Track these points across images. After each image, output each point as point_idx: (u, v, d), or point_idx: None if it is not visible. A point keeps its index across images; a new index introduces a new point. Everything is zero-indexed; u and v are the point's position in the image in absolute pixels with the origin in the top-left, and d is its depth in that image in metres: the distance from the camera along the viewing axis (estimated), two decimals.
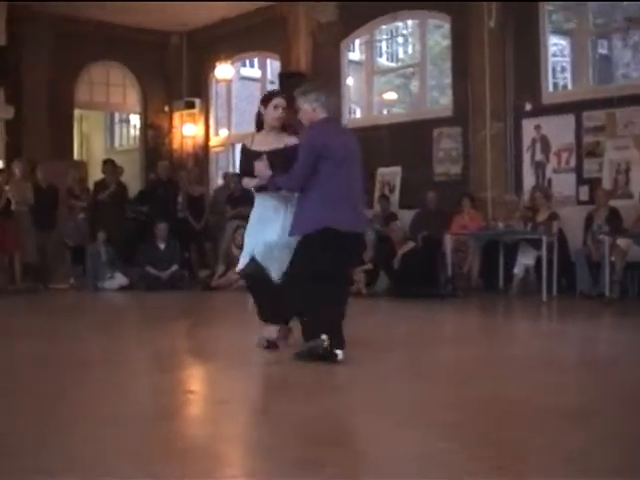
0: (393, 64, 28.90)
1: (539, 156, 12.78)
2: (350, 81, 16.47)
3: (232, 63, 17.33)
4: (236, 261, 13.07)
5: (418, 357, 6.60)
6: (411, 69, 23.21)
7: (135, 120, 20.75)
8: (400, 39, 28.95)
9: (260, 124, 6.79)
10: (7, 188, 12.83)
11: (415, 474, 3.35)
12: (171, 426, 4.22)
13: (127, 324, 9.28)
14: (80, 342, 7.61)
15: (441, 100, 18.44)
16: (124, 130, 23.02)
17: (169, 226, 13.75)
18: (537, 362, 6.37)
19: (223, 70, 16.86)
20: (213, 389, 5.53)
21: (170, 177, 15.30)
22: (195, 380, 6.01)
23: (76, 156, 18.59)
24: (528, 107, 12.91)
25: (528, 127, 12.91)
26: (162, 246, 13.60)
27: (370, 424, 4.28)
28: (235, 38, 17.12)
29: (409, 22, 19.43)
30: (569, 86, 15.71)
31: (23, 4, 15.38)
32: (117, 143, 22.94)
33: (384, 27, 16.49)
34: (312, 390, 5.23)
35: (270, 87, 17.96)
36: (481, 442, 3.85)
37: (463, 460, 3.53)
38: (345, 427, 4.32)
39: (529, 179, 12.87)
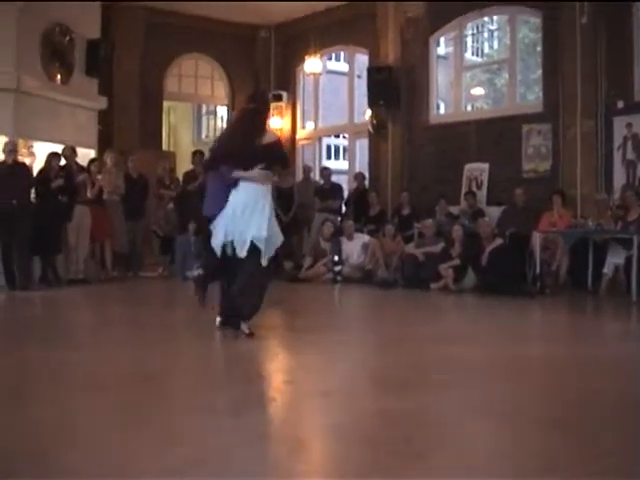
0: (479, 59, 28.76)
1: (630, 155, 12.60)
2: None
3: (320, 57, 17.39)
4: (324, 253, 13.31)
5: (511, 354, 6.60)
6: (496, 65, 23.14)
7: (222, 112, 20.99)
8: (486, 34, 28.80)
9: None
10: (99, 177, 13.03)
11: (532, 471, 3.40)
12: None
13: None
14: (179, 330, 7.78)
15: (530, 96, 18.29)
16: (211, 122, 23.30)
17: None
18: (632, 363, 6.33)
19: (312, 64, 16.94)
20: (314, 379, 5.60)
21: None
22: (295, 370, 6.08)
23: (164, 147, 18.90)
24: (620, 105, 12.74)
25: (619, 125, 12.73)
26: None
27: (475, 421, 4.33)
28: (323, 32, 17.19)
29: (495, 17, 19.32)
30: None
31: None
32: (204, 135, 23.22)
33: (470, 23, 16.38)
34: (409, 385, 5.28)
35: (357, 81, 18.06)
36: (591, 441, 3.87)
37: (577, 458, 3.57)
38: (446, 424, 4.36)
39: (620, 178, 12.69)
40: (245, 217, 6.96)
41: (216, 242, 7.11)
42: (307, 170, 16.31)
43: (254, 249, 6.95)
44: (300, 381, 5.48)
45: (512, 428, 4.17)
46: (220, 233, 7.06)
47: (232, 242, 7.01)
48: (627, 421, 4.37)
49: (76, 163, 12.80)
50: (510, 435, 4.04)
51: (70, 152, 12.73)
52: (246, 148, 7.04)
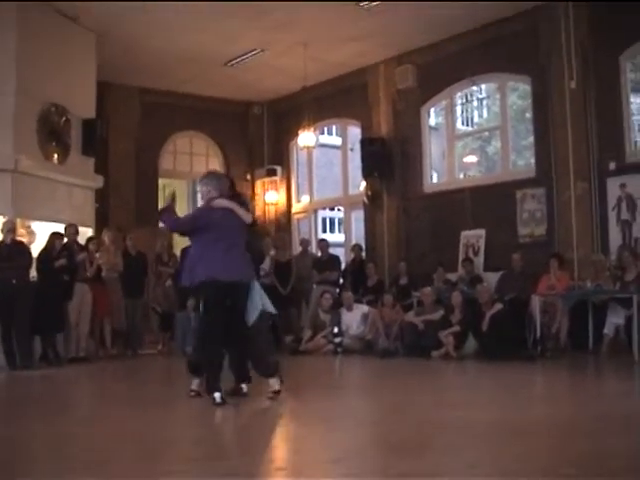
0: (468, 128, 29.02)
1: (625, 215, 12.70)
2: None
3: (313, 130, 17.58)
4: (324, 325, 13.33)
5: (516, 417, 6.58)
6: (486, 132, 23.37)
7: None
8: (475, 103, 29.11)
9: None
10: (98, 255, 13.08)
11: None
12: None
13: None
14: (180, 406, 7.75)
15: (520, 161, 18.45)
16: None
17: None
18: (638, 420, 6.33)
19: (305, 138, 17.12)
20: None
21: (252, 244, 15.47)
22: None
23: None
24: (612, 166, 12.87)
25: (613, 186, 12.84)
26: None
27: None
28: (315, 106, 17.42)
29: (483, 86, 19.53)
30: None
31: (110, 77, 15.94)
32: None
33: (459, 93, 16.60)
34: (419, 449, 5.26)
35: (350, 154, 18.24)
36: None
37: None
38: None
39: (615, 238, 12.77)
40: None
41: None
42: (305, 243, 16.37)
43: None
44: (308, 449, 5.45)
45: None
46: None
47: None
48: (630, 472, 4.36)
49: (76, 242, 12.86)
50: None
51: (73, 230, 12.83)
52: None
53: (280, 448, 5.78)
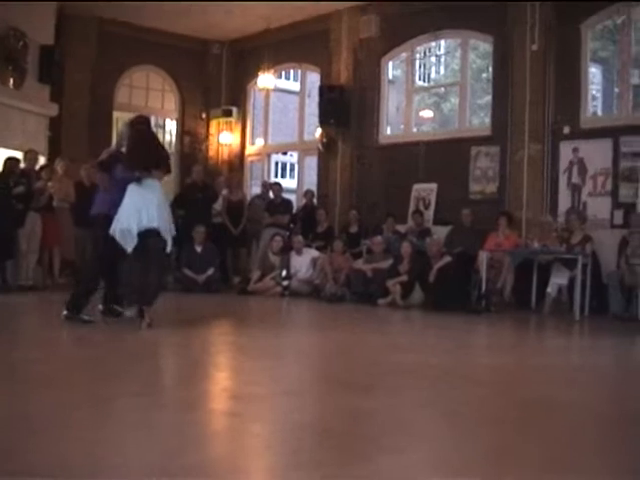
0: (425, 83, 29.15)
1: (575, 179, 12.92)
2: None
3: (273, 73, 17.54)
4: (273, 267, 13.44)
5: (460, 362, 6.78)
6: (443, 89, 23.52)
7: (171, 126, 21.01)
8: (433, 59, 29.25)
9: None
10: (50, 184, 12.99)
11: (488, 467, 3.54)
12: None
13: (175, 323, 9.43)
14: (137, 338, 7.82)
15: (475, 120, 18.65)
16: (159, 135, 23.21)
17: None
18: (578, 371, 6.56)
19: (264, 80, 17.09)
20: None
21: (205, 181, 15.51)
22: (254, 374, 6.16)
23: None
24: (566, 130, 13.07)
25: (566, 150, 13.06)
26: (199, 249, 13.79)
27: (437, 421, 4.48)
28: (276, 49, 17.34)
29: (442, 42, 19.66)
30: (599, 112, 15.84)
31: (71, 4, 15.71)
32: None
33: (419, 47, 16.64)
34: (368, 387, 5.41)
35: (307, 100, 18.23)
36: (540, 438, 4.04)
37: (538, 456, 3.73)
38: (410, 424, 4.48)
39: (565, 201, 13.01)
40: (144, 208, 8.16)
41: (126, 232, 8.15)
42: (267, 186, 16.32)
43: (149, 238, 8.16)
44: (260, 382, 5.55)
45: (469, 425, 4.32)
46: (132, 223, 8.12)
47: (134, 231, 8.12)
48: (579, 421, 4.55)
49: (33, 169, 12.76)
50: (467, 432, 4.18)
51: (33, 156, 12.74)
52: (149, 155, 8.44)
53: (231, 379, 5.89)
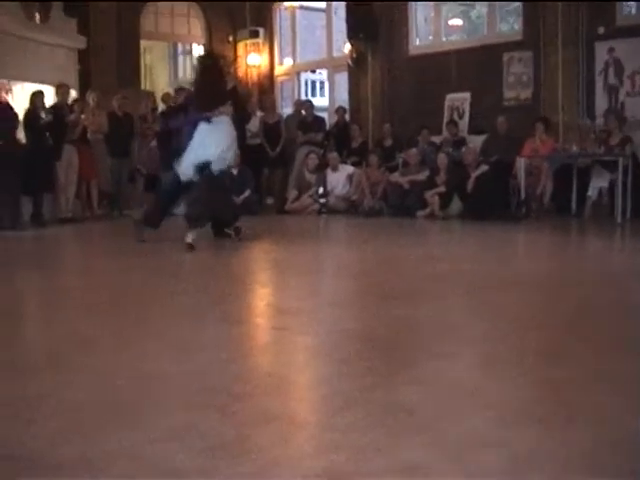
0: None
1: (612, 79, 12.68)
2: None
3: None
4: (309, 185, 13.42)
5: (505, 269, 6.77)
6: None
7: (198, 51, 20.90)
8: None
9: None
10: (83, 117, 12.99)
11: (537, 368, 3.55)
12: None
13: (216, 244, 9.47)
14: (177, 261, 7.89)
15: (505, 26, 18.30)
16: (187, 61, 23.15)
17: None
18: (623, 273, 6.54)
19: None
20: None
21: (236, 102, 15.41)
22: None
23: (142, 87, 18.80)
24: (601, 30, 12.79)
25: (601, 50, 12.78)
26: (235, 172, 13.76)
27: (482, 326, 4.48)
28: None
29: None
30: (634, 11, 15.47)
31: None
32: (180, 74, 23.09)
33: None
34: (410, 296, 5.42)
35: (334, 16, 18.00)
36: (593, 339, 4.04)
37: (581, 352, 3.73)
38: (454, 330, 4.49)
39: (602, 103, 12.78)
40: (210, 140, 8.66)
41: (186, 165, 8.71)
42: (297, 104, 16.18)
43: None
44: (304, 296, 5.59)
45: (513, 328, 4.32)
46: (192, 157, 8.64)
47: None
48: (627, 319, 4.55)
49: (66, 103, 12.76)
50: (512, 335, 4.18)
51: (65, 90, 12.74)
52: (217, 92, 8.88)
53: (276, 295, 5.93)
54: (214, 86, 8.92)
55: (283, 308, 5.17)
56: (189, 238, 8.29)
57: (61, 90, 12.71)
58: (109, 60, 16.73)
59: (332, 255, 8.27)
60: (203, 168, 8.60)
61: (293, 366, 3.73)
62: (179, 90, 14.55)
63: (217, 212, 9.04)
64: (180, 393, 3.24)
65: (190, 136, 8.80)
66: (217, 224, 9.29)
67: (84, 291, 6.00)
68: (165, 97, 15.20)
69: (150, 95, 16.60)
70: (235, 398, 3.10)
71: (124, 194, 14.27)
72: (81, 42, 15.45)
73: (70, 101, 13.16)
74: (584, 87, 12.94)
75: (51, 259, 8.44)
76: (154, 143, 14.42)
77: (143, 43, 18.88)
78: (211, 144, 8.64)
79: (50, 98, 12.68)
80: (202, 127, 8.72)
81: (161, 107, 14.98)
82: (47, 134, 11.92)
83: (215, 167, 8.67)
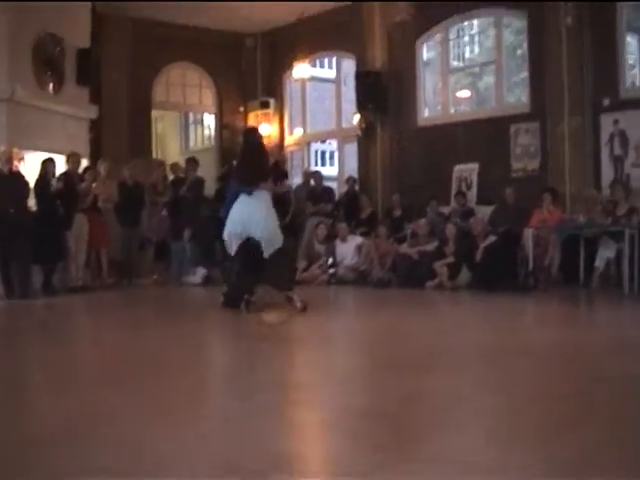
0: (460, 63, 28.99)
1: (618, 150, 12.84)
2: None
3: (308, 62, 17.57)
4: (318, 256, 13.49)
5: (512, 341, 6.79)
6: (477, 68, 23.39)
7: (209, 121, 21.15)
8: (467, 38, 29.04)
9: None
10: (94, 186, 13.14)
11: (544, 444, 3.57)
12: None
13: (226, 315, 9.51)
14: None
15: (512, 98, 18.52)
16: (198, 131, 23.39)
17: None
18: (630, 345, 6.54)
19: (300, 69, 17.15)
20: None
21: None
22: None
23: (153, 156, 19.00)
24: (606, 102, 12.98)
25: (606, 122, 12.96)
26: None
27: (490, 400, 4.50)
28: (310, 38, 17.42)
29: (475, 21, 19.50)
30: (636, 83, 15.70)
31: (104, 5, 15.81)
32: (192, 143, 23.32)
33: (452, 27, 16.56)
34: (421, 369, 5.45)
35: (344, 87, 18.26)
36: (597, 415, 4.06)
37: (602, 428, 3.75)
38: (462, 404, 4.51)
39: (608, 173, 12.92)
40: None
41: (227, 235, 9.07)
42: (308, 175, 16.33)
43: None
44: (316, 369, 5.62)
45: (523, 402, 4.34)
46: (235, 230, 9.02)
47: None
48: (625, 393, 4.57)
49: (76, 172, 12.94)
50: (521, 408, 4.20)
51: (76, 159, 12.91)
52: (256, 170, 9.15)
53: (288, 368, 5.95)
54: (257, 162, 9.27)
55: (293, 382, 5.20)
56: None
57: (72, 159, 12.89)
58: (121, 129, 17.00)
59: (342, 327, 8.31)
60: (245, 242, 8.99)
61: (304, 442, 3.75)
62: (189, 160, 14.79)
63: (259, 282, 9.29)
64: (194, 468, 3.26)
65: (230, 206, 9.15)
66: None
67: (97, 363, 6.03)
68: (174, 167, 15.39)
69: (161, 164, 16.79)
70: (248, 474, 3.12)
71: (134, 263, 14.37)
72: (93, 112, 15.69)
73: (81, 170, 13.35)
74: (590, 158, 13.08)
75: (63, 329, 8.49)
76: (164, 212, 14.57)
77: (154, 113, 19.13)
78: (250, 215, 8.93)
79: (61, 167, 12.85)
80: (242, 199, 9.03)
81: (171, 177, 15.15)
82: (58, 202, 12.07)
83: (260, 240, 8.96)
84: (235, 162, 10.13)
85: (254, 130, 10.24)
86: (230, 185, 9.81)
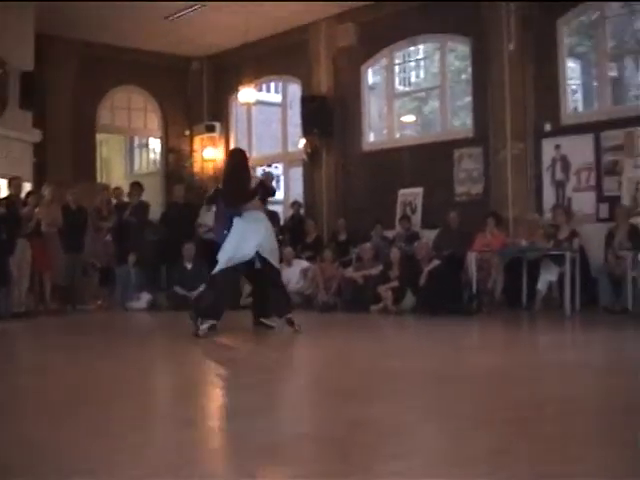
0: (405, 88, 29.25)
1: (559, 175, 13.05)
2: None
3: (253, 87, 17.61)
4: None
5: (454, 364, 6.84)
6: (423, 93, 23.63)
7: (154, 144, 21.07)
8: (412, 63, 29.34)
9: None
10: (37, 210, 13.02)
11: (489, 468, 3.60)
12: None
13: (168, 341, 9.48)
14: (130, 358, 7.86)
15: (457, 122, 18.71)
16: (144, 154, 23.27)
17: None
18: (571, 367, 6.61)
19: (246, 94, 17.17)
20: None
21: (187, 200, 15.65)
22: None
23: (98, 180, 18.87)
24: (547, 127, 13.20)
25: (548, 147, 13.19)
26: (189, 266, 13.84)
27: (435, 425, 4.53)
28: (255, 63, 17.46)
29: (421, 47, 19.70)
30: (580, 108, 16.00)
31: (49, 27, 15.70)
32: (137, 167, 23.20)
33: (398, 52, 16.74)
34: (367, 395, 5.46)
35: (290, 111, 18.32)
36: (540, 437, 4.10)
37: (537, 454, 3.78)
38: (408, 430, 4.53)
39: (549, 198, 13.13)
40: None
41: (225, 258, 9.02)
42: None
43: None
44: (257, 395, 5.59)
45: (465, 427, 4.36)
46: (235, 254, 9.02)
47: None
48: (572, 416, 4.61)
49: (18, 196, 12.80)
50: (463, 433, 4.22)
51: (18, 183, 12.78)
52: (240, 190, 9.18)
53: (229, 395, 5.92)
54: (240, 181, 9.25)
55: (236, 409, 5.17)
56: (202, 329, 8.73)
57: (14, 183, 12.76)
58: (65, 153, 16.90)
59: (286, 352, 8.30)
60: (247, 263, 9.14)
61: (246, 471, 3.73)
62: (133, 185, 14.73)
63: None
64: None
65: (221, 230, 9.44)
66: (258, 313, 9.76)
67: (34, 391, 5.94)
68: (116, 192, 15.36)
69: (105, 188, 16.70)
70: None
71: (78, 288, 14.24)
72: (36, 135, 15.56)
73: (24, 194, 13.21)
74: (533, 182, 13.27)
75: (2, 356, 8.36)
76: (109, 237, 14.48)
77: (99, 136, 19.03)
78: (250, 238, 9.00)
79: (3, 191, 12.72)
80: (236, 222, 9.12)
81: (114, 201, 15.08)
82: (0, 227, 11.92)
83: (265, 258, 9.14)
84: (220, 185, 10.21)
85: (236, 151, 10.31)
86: (219, 208, 10.05)
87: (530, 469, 3.51)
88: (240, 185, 9.22)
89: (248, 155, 10.01)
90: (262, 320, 9.59)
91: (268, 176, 15.66)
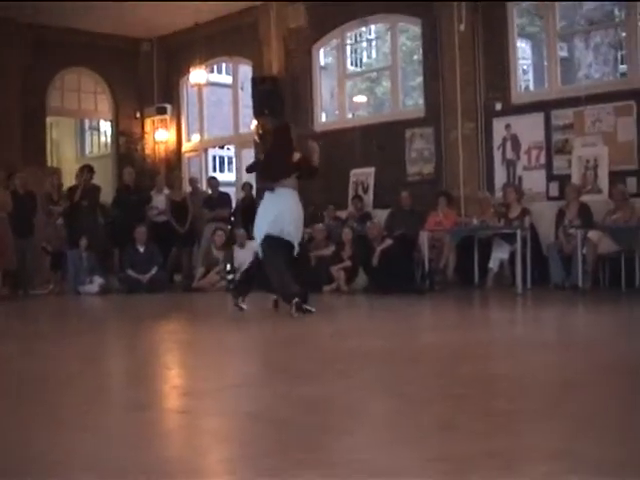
0: (357, 69, 29.29)
1: (510, 154, 13.15)
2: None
3: (204, 68, 17.52)
4: (216, 262, 13.45)
5: (407, 343, 6.89)
6: (375, 73, 23.65)
7: (105, 127, 20.91)
8: (364, 44, 29.40)
9: None
10: None
11: (438, 443, 3.63)
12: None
13: (121, 324, 9.43)
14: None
15: (409, 102, 18.77)
16: (94, 137, 23.10)
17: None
18: (521, 344, 6.69)
19: (196, 75, 17.09)
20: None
21: (137, 183, 15.57)
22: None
23: (48, 163, 18.69)
24: (498, 107, 13.28)
25: (499, 126, 13.28)
26: (142, 249, 13.79)
27: (386, 402, 4.55)
28: (206, 44, 17.35)
29: (372, 27, 19.77)
30: (531, 87, 16.11)
31: None
32: (87, 150, 23.02)
33: (349, 33, 16.73)
34: (316, 375, 5.47)
35: (241, 92, 18.25)
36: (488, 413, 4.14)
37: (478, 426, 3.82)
38: (358, 408, 4.55)
39: (500, 177, 13.24)
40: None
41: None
42: (194, 182, 16.39)
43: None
44: (208, 377, 5.59)
45: (413, 404, 4.39)
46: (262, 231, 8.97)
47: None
48: (520, 391, 4.67)
49: None
50: (411, 410, 4.26)
51: None
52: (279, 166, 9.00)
53: (181, 377, 5.91)
54: (281, 157, 9.02)
55: (187, 390, 5.16)
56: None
57: None
58: (14, 137, 16.66)
59: (238, 333, 8.28)
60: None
61: (194, 451, 3.73)
62: (83, 167, 14.60)
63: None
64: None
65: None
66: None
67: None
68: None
69: (56, 172, 16.54)
70: None
71: (29, 273, 14.11)
72: None
73: None
74: (484, 161, 13.35)
75: None
76: (60, 221, 14.36)
77: (49, 119, 18.82)
78: (275, 220, 8.91)
79: None
80: (266, 197, 9.17)
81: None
82: None
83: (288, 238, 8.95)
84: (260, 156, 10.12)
85: (285, 125, 9.86)
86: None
87: (478, 445, 3.54)
88: (281, 159, 9.02)
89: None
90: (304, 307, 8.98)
91: (211, 181, 15.69)
